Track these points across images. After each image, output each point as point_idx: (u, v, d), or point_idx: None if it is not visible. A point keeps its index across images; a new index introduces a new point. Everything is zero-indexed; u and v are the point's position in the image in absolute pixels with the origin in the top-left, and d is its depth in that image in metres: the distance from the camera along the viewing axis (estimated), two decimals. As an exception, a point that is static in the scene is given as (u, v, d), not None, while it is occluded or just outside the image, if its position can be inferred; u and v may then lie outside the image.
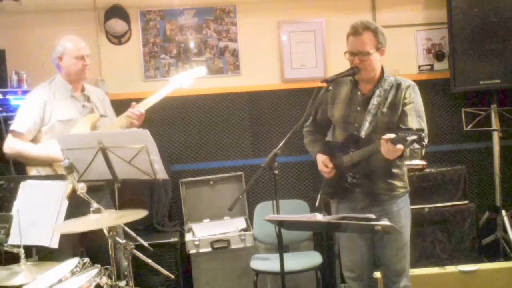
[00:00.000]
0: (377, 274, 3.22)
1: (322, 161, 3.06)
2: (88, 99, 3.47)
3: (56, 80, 3.43)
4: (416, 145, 2.72)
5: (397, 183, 3.00)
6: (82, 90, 3.48)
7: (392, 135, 2.61)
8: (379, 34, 2.90)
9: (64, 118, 3.33)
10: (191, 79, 3.53)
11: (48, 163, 3.25)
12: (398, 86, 2.94)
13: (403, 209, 3.03)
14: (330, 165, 3.02)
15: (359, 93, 3.00)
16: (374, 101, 2.92)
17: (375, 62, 2.92)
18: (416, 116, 2.92)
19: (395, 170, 2.99)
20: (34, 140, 3.34)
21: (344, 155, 2.98)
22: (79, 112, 3.39)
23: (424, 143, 2.54)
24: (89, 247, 3.37)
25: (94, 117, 3.40)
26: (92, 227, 2.49)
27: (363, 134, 2.91)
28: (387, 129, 2.85)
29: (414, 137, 2.52)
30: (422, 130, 2.57)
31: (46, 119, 3.32)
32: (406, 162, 3.05)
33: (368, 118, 2.92)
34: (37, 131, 3.33)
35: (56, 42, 3.40)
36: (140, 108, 3.37)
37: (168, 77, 3.80)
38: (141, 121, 3.37)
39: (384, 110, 2.92)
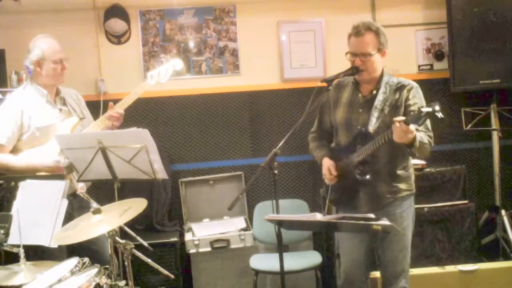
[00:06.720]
0: (376, 274, 3.22)
1: (327, 166, 3.02)
2: (64, 102, 3.34)
3: (29, 86, 3.27)
4: (424, 139, 2.70)
5: (402, 185, 2.97)
6: (57, 93, 3.33)
7: (404, 118, 2.55)
8: (381, 35, 2.89)
9: (42, 125, 3.18)
10: (168, 73, 3.37)
11: (32, 173, 3.03)
12: (401, 87, 2.92)
13: (406, 211, 3.00)
14: (335, 172, 2.99)
15: (360, 95, 2.99)
16: (380, 97, 2.90)
17: (377, 63, 2.91)
18: None
19: (400, 172, 2.95)
20: (14, 150, 3.19)
21: (351, 154, 2.93)
22: (57, 117, 3.25)
23: (439, 115, 2.41)
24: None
25: (74, 121, 3.27)
26: (95, 233, 2.46)
27: (371, 129, 2.87)
28: (389, 128, 2.83)
29: (429, 109, 2.42)
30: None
31: (26, 127, 3.17)
32: (412, 162, 3.05)
33: (375, 113, 2.88)
34: (16, 140, 3.18)
35: (31, 45, 3.23)
36: (118, 109, 3.25)
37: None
38: (121, 121, 3.27)
39: (387, 109, 2.89)
